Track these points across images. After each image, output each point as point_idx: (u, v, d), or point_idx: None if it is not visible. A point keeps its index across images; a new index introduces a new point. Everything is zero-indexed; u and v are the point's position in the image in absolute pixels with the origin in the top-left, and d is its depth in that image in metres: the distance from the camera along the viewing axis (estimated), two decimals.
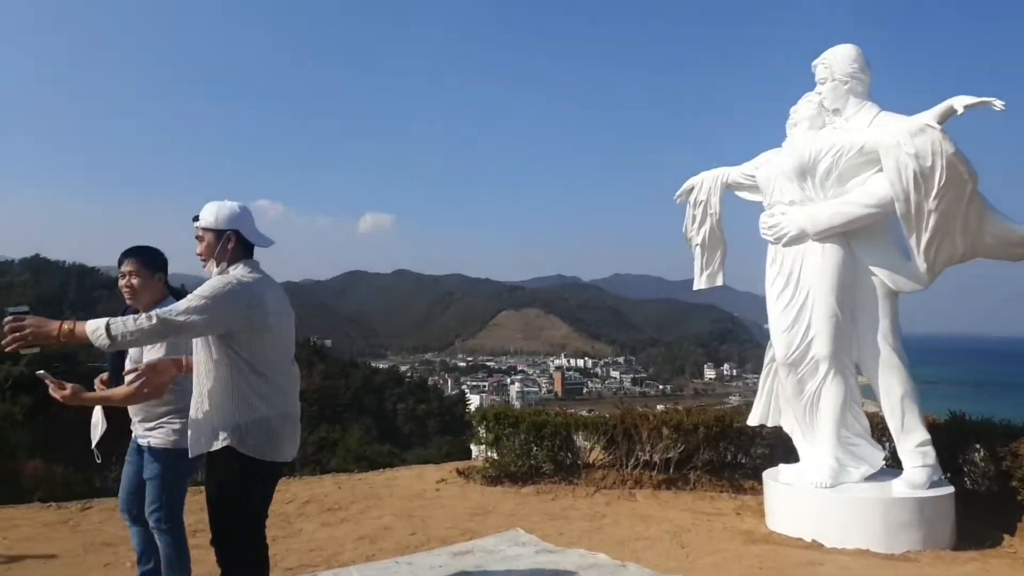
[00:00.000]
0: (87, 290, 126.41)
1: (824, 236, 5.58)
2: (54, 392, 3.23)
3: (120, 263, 3.50)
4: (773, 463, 6.42)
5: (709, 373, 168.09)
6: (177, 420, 3.40)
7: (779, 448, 6.70)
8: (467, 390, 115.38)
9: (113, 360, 3.57)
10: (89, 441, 3.74)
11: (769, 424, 6.33)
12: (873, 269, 5.56)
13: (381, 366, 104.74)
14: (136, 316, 2.76)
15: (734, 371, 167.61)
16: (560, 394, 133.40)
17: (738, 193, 6.74)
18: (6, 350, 2.77)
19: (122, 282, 3.49)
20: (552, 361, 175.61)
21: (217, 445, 2.93)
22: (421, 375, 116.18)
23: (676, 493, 6.84)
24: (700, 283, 6.99)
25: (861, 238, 5.59)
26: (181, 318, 2.77)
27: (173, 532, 3.42)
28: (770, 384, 6.31)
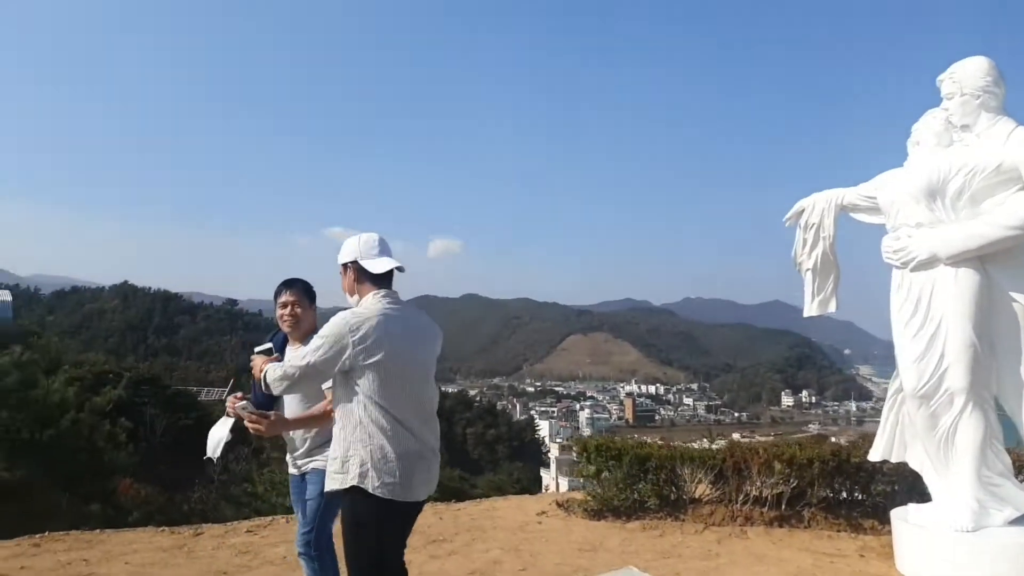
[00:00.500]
0: (170, 315, 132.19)
1: (958, 260, 5.22)
2: (252, 424, 3.21)
3: (280, 293, 3.57)
4: (895, 502, 6.03)
5: (787, 400, 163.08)
6: None
7: (902, 485, 6.30)
8: (536, 415, 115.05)
9: (262, 396, 3.57)
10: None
11: (893, 459, 5.93)
12: (1014, 295, 5.18)
13: (450, 390, 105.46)
14: (283, 365, 2.95)
15: (813, 398, 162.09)
16: (631, 421, 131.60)
17: (854, 215, 6.43)
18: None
19: (283, 311, 3.56)
20: (622, 387, 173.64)
21: (345, 483, 2.84)
22: (490, 399, 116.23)
23: (790, 531, 6.50)
24: (812, 309, 6.68)
25: (999, 261, 5.21)
26: (304, 361, 2.85)
27: (322, 559, 3.43)
28: (894, 416, 5.92)
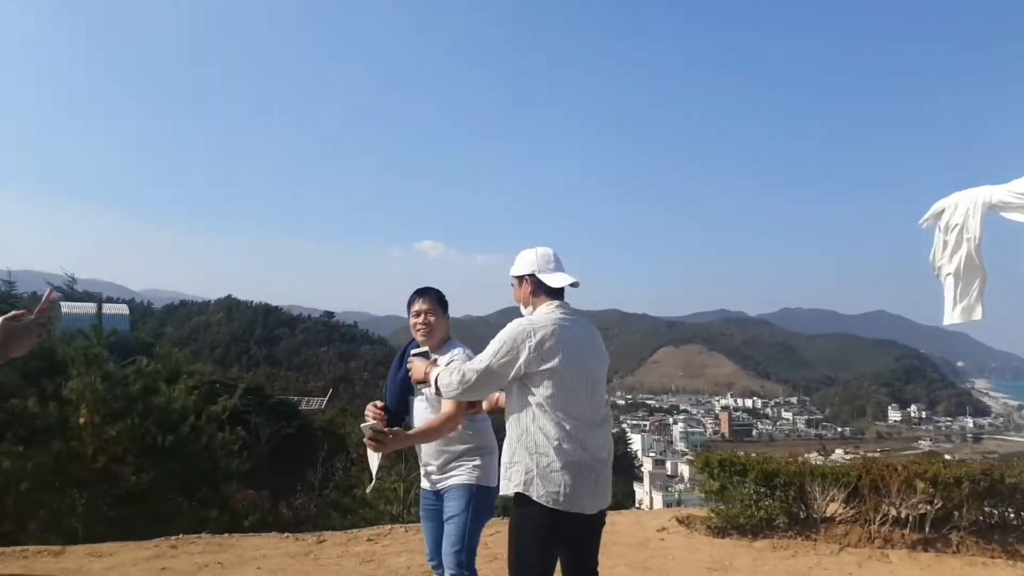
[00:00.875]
0: (271, 327, 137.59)
1: None
2: (374, 443, 3.16)
3: (413, 302, 3.47)
4: None
5: (894, 415, 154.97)
6: (477, 457, 3.32)
7: None
8: (627, 429, 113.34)
9: (396, 398, 3.52)
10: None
11: None
12: None
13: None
14: (457, 370, 2.87)
15: (923, 413, 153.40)
16: (728, 435, 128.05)
17: (1004, 214, 5.93)
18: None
19: (417, 320, 3.45)
20: (717, 400, 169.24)
21: (512, 490, 2.83)
22: None
23: (938, 556, 6.01)
24: (953, 317, 6.16)
25: None
26: (483, 365, 2.81)
27: None
28: None
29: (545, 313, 2.94)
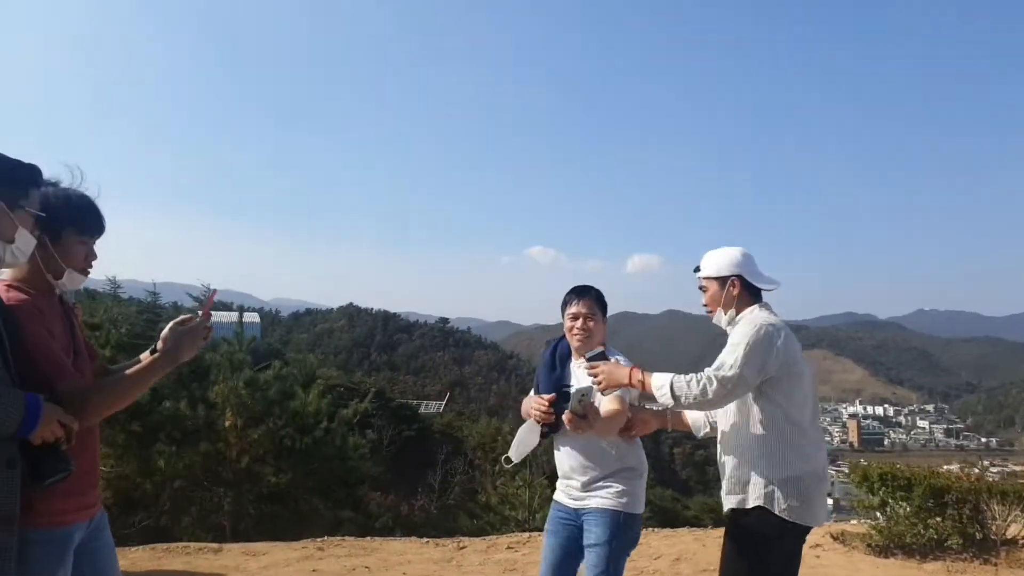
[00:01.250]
0: (390, 333, 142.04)
1: None
2: (572, 417, 2.77)
3: (569, 303, 3.16)
4: None
5: None
6: (628, 480, 2.99)
7: None
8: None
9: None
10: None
11: None
12: None
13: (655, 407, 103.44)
14: (695, 378, 2.63)
15: None
16: (856, 445, 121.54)
17: None
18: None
19: (575, 324, 3.12)
20: (845, 408, 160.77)
21: (749, 503, 2.68)
22: None
23: None
24: None
25: None
26: (733, 372, 2.58)
27: None
28: None
29: (768, 314, 2.78)
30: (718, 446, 2.91)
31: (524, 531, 11.24)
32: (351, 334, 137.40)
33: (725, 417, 2.85)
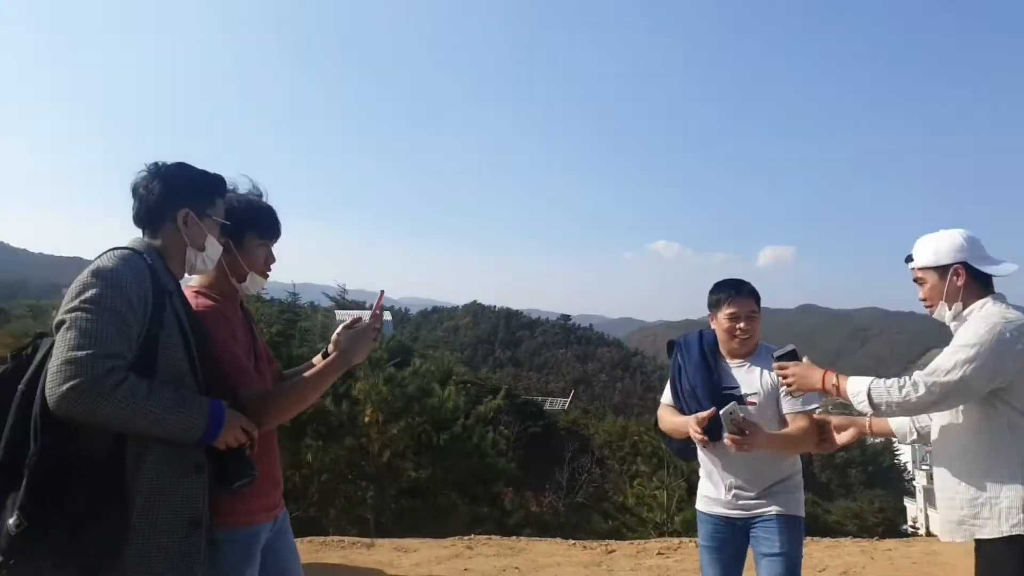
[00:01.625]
0: (513, 330, 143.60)
1: None
2: (733, 437, 2.58)
3: (726, 301, 2.89)
4: None
5: None
6: (799, 484, 2.89)
7: None
8: (894, 439, 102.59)
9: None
10: None
11: None
12: None
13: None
14: (898, 382, 2.32)
15: None
16: None
17: None
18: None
19: (735, 324, 2.86)
20: None
21: (998, 532, 2.24)
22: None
23: None
24: None
25: None
26: (953, 377, 2.22)
27: None
28: None
29: (1004, 308, 2.34)
30: (932, 456, 2.53)
31: (662, 534, 10.97)
32: (475, 331, 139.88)
33: (938, 428, 2.47)
